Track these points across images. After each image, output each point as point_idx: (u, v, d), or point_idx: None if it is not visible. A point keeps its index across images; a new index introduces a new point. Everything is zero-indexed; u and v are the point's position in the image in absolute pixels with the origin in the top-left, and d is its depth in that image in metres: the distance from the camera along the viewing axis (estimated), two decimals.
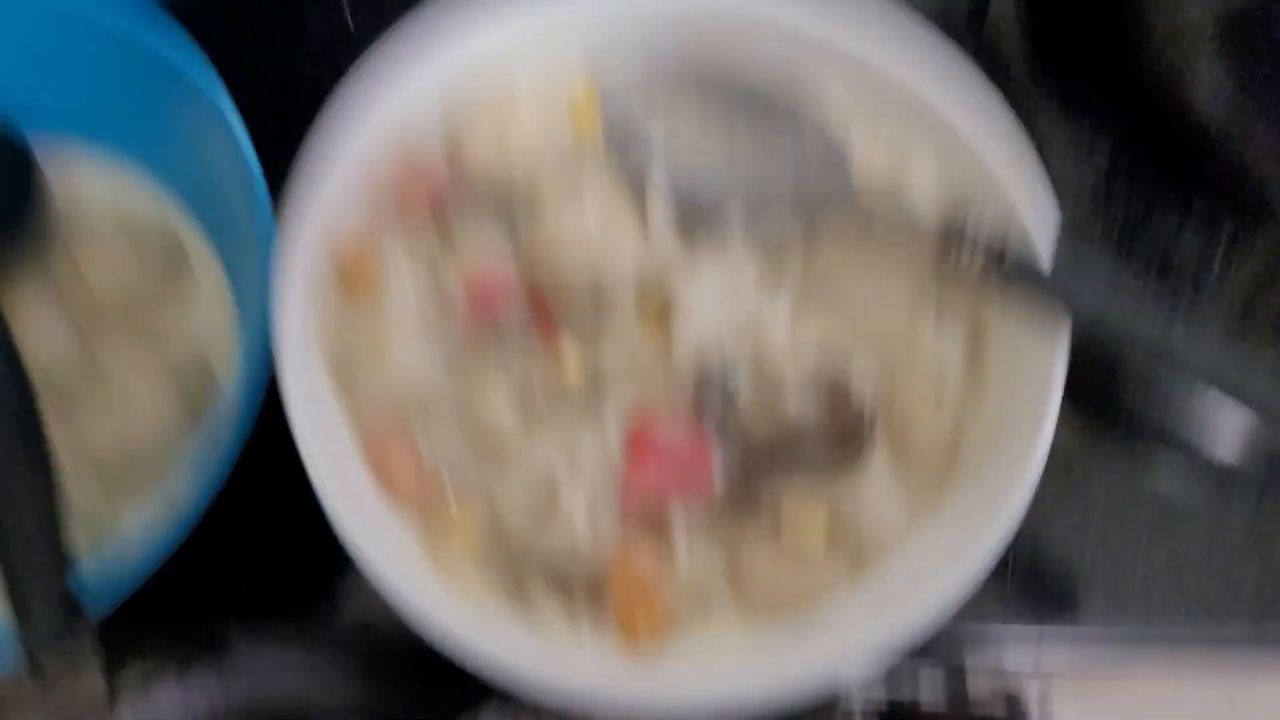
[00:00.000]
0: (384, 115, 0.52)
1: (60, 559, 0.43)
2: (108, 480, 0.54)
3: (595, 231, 0.50)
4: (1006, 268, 0.48)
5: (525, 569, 0.50)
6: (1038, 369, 0.49)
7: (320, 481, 0.46)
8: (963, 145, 0.54)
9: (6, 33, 0.55)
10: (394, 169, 0.53)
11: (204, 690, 0.65)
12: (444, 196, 0.52)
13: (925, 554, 0.50)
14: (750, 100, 0.55)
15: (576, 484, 0.48)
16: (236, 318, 0.58)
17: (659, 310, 0.52)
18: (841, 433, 0.48)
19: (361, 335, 0.50)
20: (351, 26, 0.68)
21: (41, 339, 0.54)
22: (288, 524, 0.51)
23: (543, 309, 0.51)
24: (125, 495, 0.55)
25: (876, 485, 0.49)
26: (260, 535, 0.56)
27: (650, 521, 0.50)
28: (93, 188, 0.60)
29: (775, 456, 0.49)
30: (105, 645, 0.44)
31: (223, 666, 0.67)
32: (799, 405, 0.48)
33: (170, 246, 0.59)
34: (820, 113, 0.55)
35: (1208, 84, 0.64)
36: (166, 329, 0.58)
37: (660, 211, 0.52)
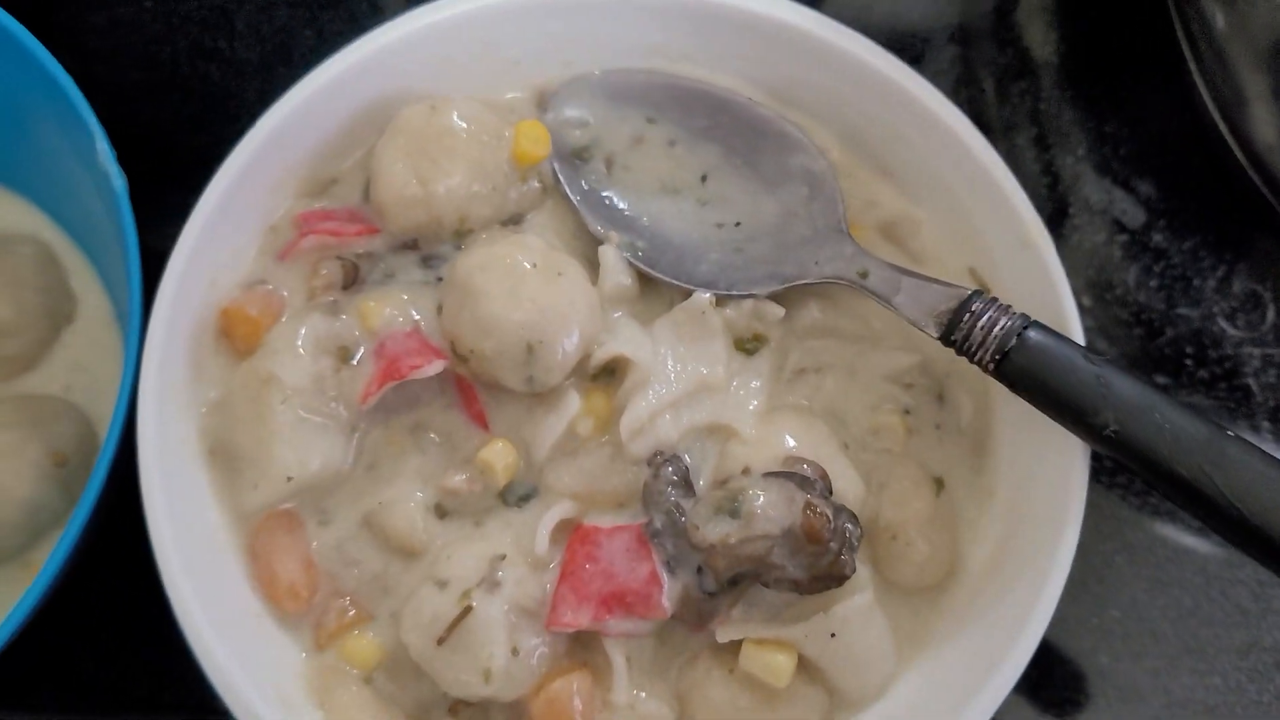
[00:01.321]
0: (290, 148, 0.44)
1: None
2: None
3: (535, 286, 0.41)
4: (1018, 367, 0.40)
5: (430, 695, 0.41)
6: (1057, 477, 0.41)
7: (173, 583, 0.38)
8: (972, 218, 0.46)
9: None
10: (297, 211, 0.45)
11: None
12: (355, 243, 0.44)
13: (918, 699, 0.41)
14: (728, 112, 0.47)
15: (494, 598, 0.40)
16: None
17: (605, 379, 0.44)
18: (815, 557, 0.39)
19: (244, 408, 0.41)
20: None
21: None
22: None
23: (466, 387, 0.43)
24: None
25: (856, 615, 0.41)
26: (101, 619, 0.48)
27: (584, 644, 0.42)
28: None
29: (736, 578, 0.40)
30: None
31: None
32: (767, 515, 0.39)
33: (53, 284, 0.51)
34: (809, 138, 0.47)
35: (1267, 112, 0.54)
36: (42, 377, 0.50)
37: (615, 256, 0.44)
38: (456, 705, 0.42)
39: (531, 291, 0.41)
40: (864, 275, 0.43)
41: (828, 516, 0.40)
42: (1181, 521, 0.52)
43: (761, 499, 0.40)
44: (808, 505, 0.40)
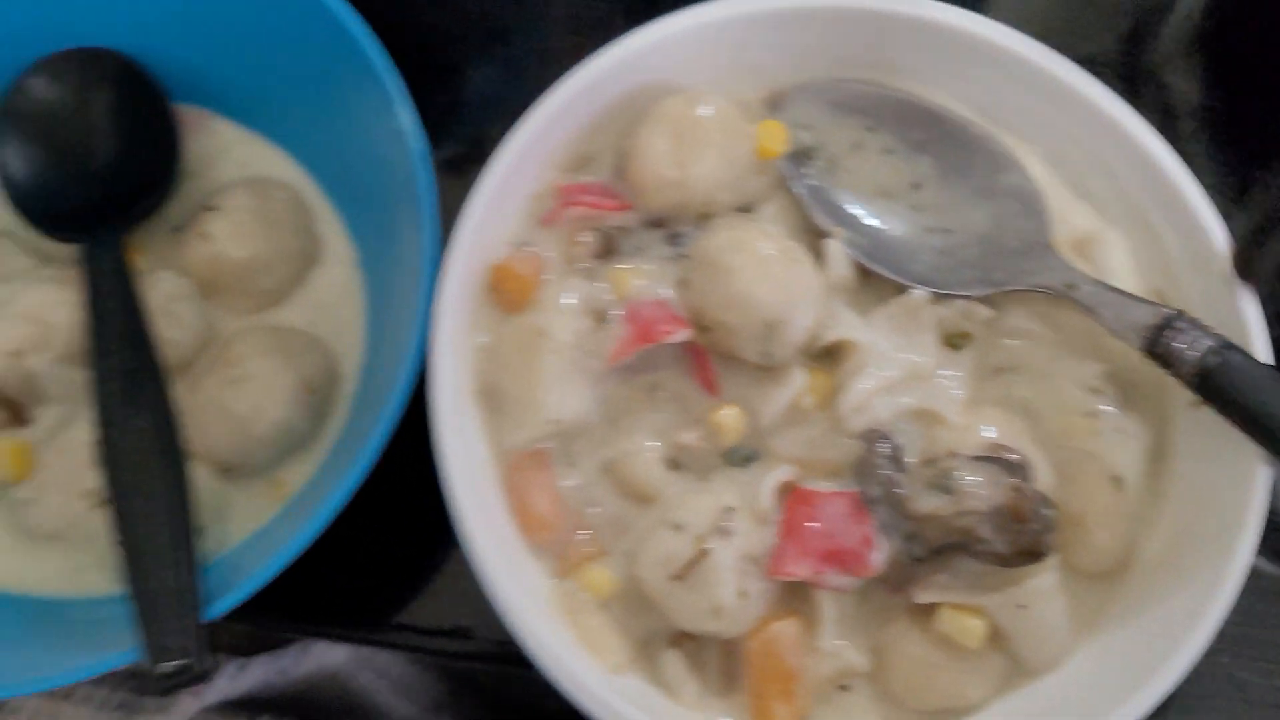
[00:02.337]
0: (562, 126, 0.49)
1: (190, 578, 0.40)
2: (220, 460, 0.51)
3: (779, 269, 0.46)
4: (1218, 386, 0.44)
5: (656, 626, 0.46)
6: (1232, 489, 0.46)
7: (459, 508, 0.43)
8: (1164, 243, 0.50)
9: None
10: (558, 183, 0.50)
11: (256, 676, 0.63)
12: (611, 217, 0.49)
13: (1089, 675, 0.46)
14: (942, 128, 0.52)
15: (726, 544, 0.45)
16: (366, 314, 0.55)
17: (825, 360, 0.48)
18: (1018, 535, 0.44)
19: (514, 356, 0.46)
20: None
21: (170, 313, 0.51)
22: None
23: (701, 355, 0.48)
24: (235, 479, 0.51)
25: (1044, 591, 0.45)
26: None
27: (795, 593, 0.46)
28: (227, 157, 0.57)
29: (942, 548, 0.45)
30: None
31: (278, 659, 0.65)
32: (977, 494, 0.44)
33: (303, 227, 0.55)
34: (1018, 156, 0.51)
35: None
36: (291, 312, 0.55)
37: (839, 249, 0.49)
38: (678, 637, 0.47)
39: (777, 273, 0.46)
40: (1072, 287, 0.48)
41: (1031, 499, 0.44)
42: None
43: (973, 479, 0.45)
44: (1015, 488, 0.44)
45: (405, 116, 0.46)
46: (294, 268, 0.55)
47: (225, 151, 0.56)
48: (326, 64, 0.51)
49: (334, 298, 0.55)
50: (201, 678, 0.39)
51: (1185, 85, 0.65)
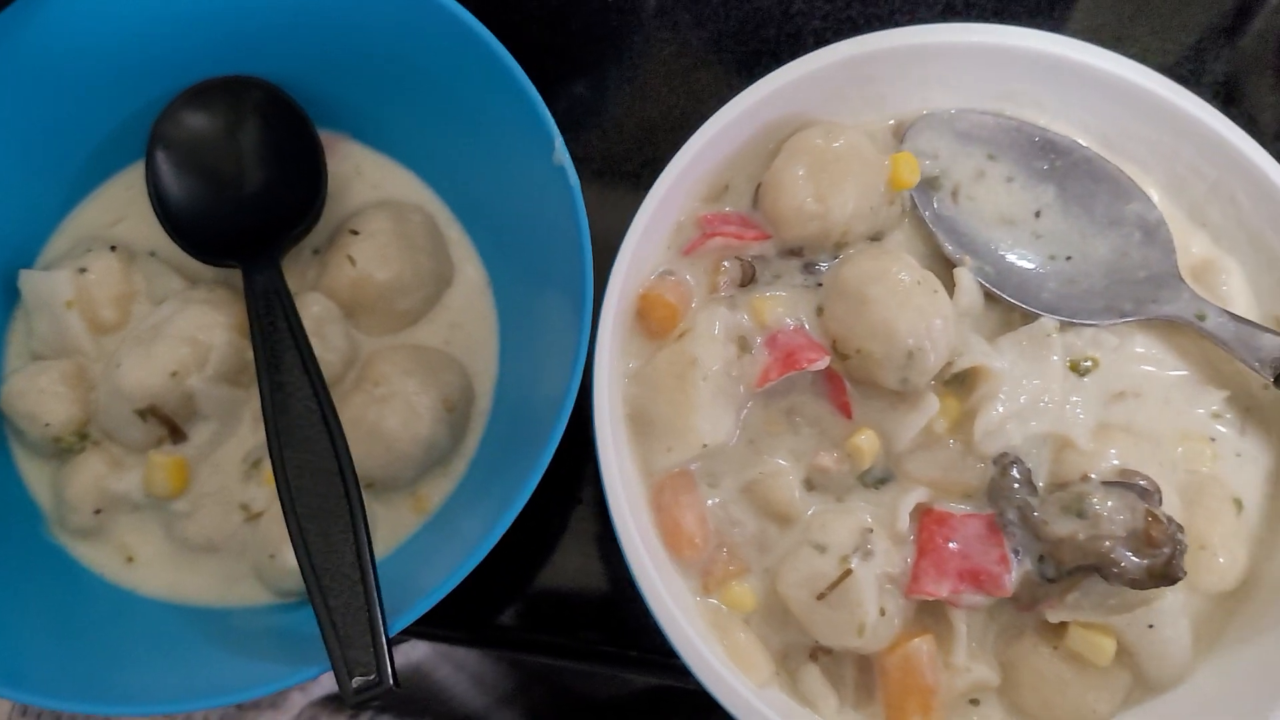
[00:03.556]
0: (708, 158, 0.50)
1: (374, 595, 0.42)
2: (365, 476, 0.52)
3: (920, 299, 0.48)
4: None
5: (795, 640, 0.48)
6: None
7: (626, 532, 0.45)
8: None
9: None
10: (699, 212, 0.51)
11: None
12: (751, 247, 0.51)
13: (1210, 693, 0.48)
14: (1063, 156, 0.53)
15: (868, 564, 0.47)
16: (499, 333, 0.56)
17: (955, 385, 0.50)
18: (1152, 559, 0.46)
19: (666, 382, 0.48)
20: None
21: (319, 334, 0.53)
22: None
23: (837, 380, 0.50)
24: (379, 494, 0.54)
25: (1170, 611, 0.47)
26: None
27: (929, 611, 0.48)
28: (361, 180, 0.59)
29: (1074, 569, 0.47)
30: None
31: None
32: (1112, 519, 0.46)
33: (437, 249, 0.57)
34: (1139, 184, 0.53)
35: None
36: (427, 332, 0.57)
37: (970, 278, 0.51)
38: (815, 651, 0.49)
39: (918, 303, 0.48)
40: (1201, 318, 0.49)
41: (1165, 524, 0.46)
42: None
43: (1108, 504, 0.46)
44: (1149, 514, 0.46)
45: (563, 155, 0.48)
46: (430, 289, 0.57)
47: (359, 174, 0.58)
48: (478, 97, 0.52)
49: (467, 318, 0.57)
50: (389, 693, 0.41)
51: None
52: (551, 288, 0.51)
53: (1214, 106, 0.52)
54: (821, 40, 0.65)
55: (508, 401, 0.55)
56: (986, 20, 0.66)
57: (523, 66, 0.50)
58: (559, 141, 0.48)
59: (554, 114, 0.49)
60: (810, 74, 0.50)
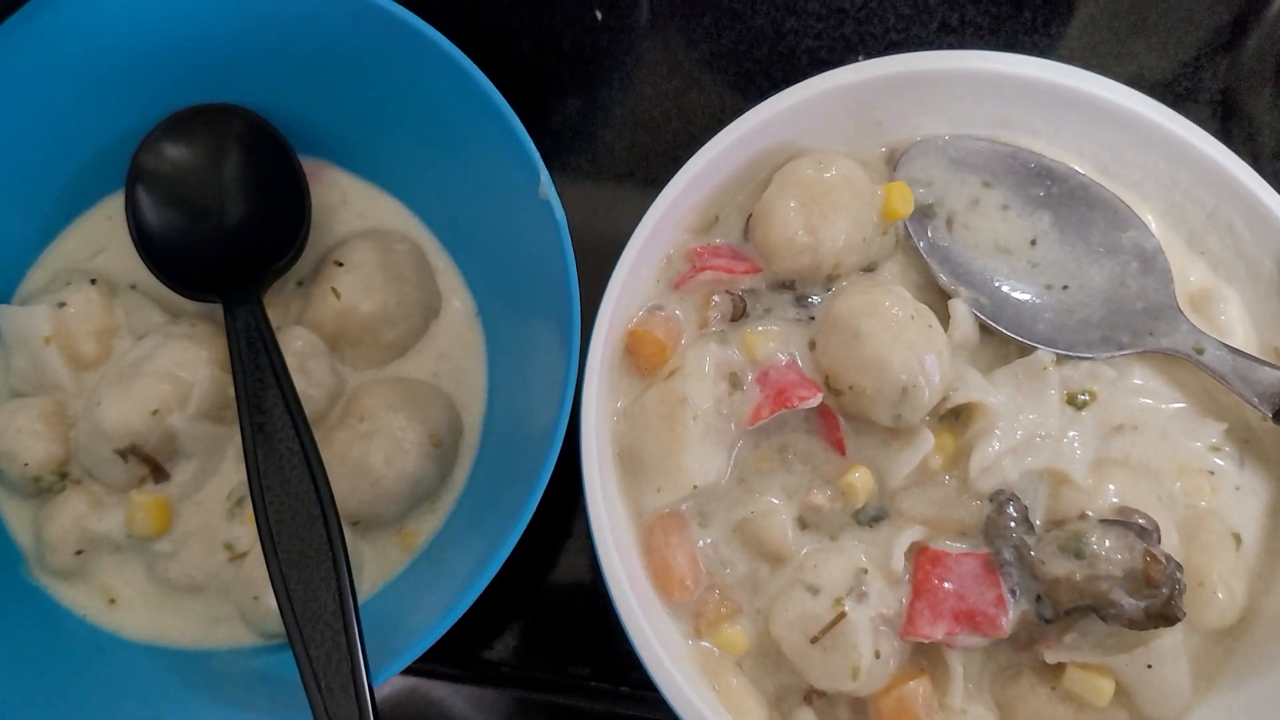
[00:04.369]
0: (697, 190, 0.49)
1: (356, 643, 0.41)
2: (351, 514, 0.52)
3: (914, 333, 0.47)
4: None
5: (788, 682, 0.48)
6: None
7: (613, 574, 0.44)
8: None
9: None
10: (688, 245, 0.50)
11: None
12: (741, 280, 0.50)
13: None
14: (1059, 184, 0.52)
15: (862, 606, 0.46)
16: (487, 364, 0.56)
17: (950, 420, 0.49)
18: (1150, 599, 0.45)
19: (655, 421, 0.47)
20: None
21: (303, 370, 0.52)
22: None
23: (830, 417, 0.49)
24: (365, 532, 0.53)
25: (1169, 650, 0.46)
26: None
27: (924, 652, 0.48)
28: (346, 208, 0.58)
29: (1074, 608, 0.46)
30: None
31: None
32: (1110, 559, 0.45)
33: (423, 279, 0.56)
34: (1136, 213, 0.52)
35: None
36: (414, 364, 0.56)
37: (965, 309, 0.50)
38: (810, 694, 0.48)
39: (911, 338, 0.47)
40: (1200, 351, 0.49)
41: (1164, 565, 0.45)
42: None
43: (1105, 544, 0.46)
44: (1147, 554, 0.45)
45: (549, 190, 0.47)
46: (417, 320, 0.56)
47: (345, 203, 0.57)
48: (464, 126, 0.51)
49: (455, 349, 0.56)
50: None
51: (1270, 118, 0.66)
52: (540, 318, 0.50)
53: (1212, 122, 0.51)
54: (815, 60, 0.64)
55: (496, 435, 0.54)
56: (982, 38, 0.65)
57: (513, 87, 0.49)
58: (544, 175, 0.47)
59: (545, 134, 0.48)
60: (802, 102, 0.49)
